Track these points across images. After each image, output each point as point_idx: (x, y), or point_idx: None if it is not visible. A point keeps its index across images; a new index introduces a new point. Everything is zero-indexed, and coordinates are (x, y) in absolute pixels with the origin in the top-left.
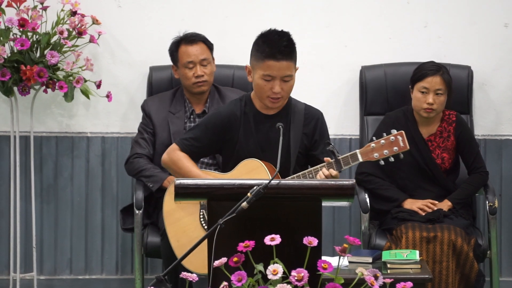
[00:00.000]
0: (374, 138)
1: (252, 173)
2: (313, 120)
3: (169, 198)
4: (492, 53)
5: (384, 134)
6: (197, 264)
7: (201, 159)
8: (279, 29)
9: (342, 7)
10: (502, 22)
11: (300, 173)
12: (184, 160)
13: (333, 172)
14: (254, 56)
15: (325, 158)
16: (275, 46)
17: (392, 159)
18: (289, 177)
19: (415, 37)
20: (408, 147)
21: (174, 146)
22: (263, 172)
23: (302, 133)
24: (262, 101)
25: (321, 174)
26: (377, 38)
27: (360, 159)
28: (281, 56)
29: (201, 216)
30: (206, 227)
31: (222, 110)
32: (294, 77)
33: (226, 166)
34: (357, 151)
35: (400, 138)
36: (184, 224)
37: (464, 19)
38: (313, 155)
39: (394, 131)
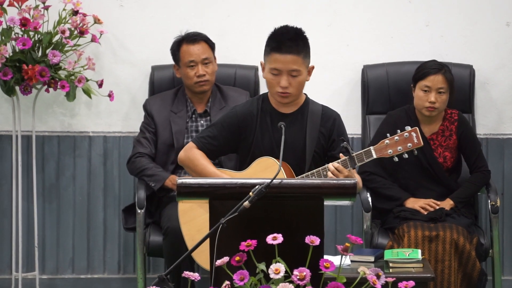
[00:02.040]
0: (388, 134)
1: (267, 171)
2: (330, 120)
3: None
4: (494, 52)
5: (398, 130)
6: (207, 259)
7: None
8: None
9: (344, 7)
10: (504, 21)
11: (309, 172)
12: (201, 158)
13: (341, 168)
14: (265, 51)
15: (340, 155)
16: (280, 39)
17: (406, 155)
18: (300, 176)
19: (417, 36)
20: (422, 143)
21: (191, 144)
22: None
23: (319, 133)
24: (273, 97)
25: (330, 167)
26: (379, 37)
27: (374, 156)
28: (286, 49)
29: None
30: None
31: (239, 109)
32: (304, 73)
33: (242, 165)
34: (371, 147)
35: (414, 134)
36: (199, 222)
37: (466, 18)
38: (332, 155)
39: (408, 128)
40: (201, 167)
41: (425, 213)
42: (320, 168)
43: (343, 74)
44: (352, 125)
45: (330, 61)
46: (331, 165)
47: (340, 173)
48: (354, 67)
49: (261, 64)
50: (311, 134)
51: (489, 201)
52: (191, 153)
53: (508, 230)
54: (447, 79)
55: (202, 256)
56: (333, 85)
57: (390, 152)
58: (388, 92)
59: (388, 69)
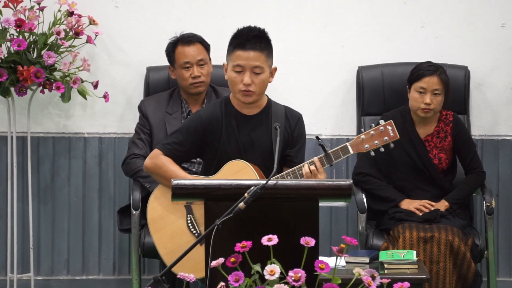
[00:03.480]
0: (362, 129)
1: (239, 174)
2: (294, 119)
3: (152, 206)
4: (489, 53)
5: (373, 125)
6: (188, 269)
7: None
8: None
9: (339, 8)
10: (499, 22)
11: (284, 172)
12: (169, 164)
13: (317, 167)
14: (227, 51)
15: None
16: (244, 36)
17: (382, 149)
18: (275, 176)
19: (412, 37)
20: (398, 136)
21: (156, 151)
22: (250, 172)
23: (284, 133)
24: (236, 96)
25: (306, 169)
26: (374, 38)
27: (351, 151)
28: (250, 46)
29: (189, 221)
30: (194, 231)
31: (203, 113)
32: (267, 72)
33: (208, 170)
34: (347, 143)
35: (389, 127)
36: (170, 230)
37: (461, 19)
38: (289, 155)
39: (382, 122)
40: (171, 172)
41: (420, 214)
42: (295, 167)
43: (338, 75)
44: (347, 126)
45: (325, 62)
46: (306, 167)
47: (314, 176)
48: (349, 68)
49: (223, 66)
50: (276, 135)
51: (484, 202)
52: (158, 160)
53: (503, 231)
54: (442, 81)
55: (184, 267)
56: (328, 86)
57: (366, 147)
58: (383, 93)
59: (383, 70)
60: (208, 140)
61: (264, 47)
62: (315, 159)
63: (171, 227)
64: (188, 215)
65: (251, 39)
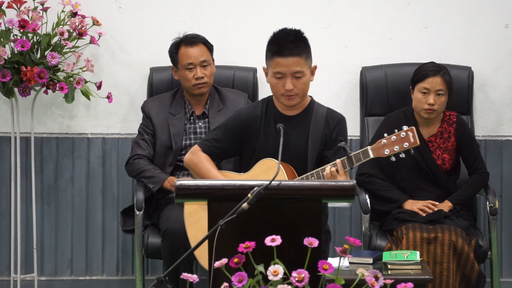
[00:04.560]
0: (385, 134)
1: (269, 172)
2: (334, 121)
3: None
4: (492, 54)
5: (396, 130)
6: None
7: None
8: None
9: (342, 8)
10: (502, 22)
11: (308, 173)
12: (204, 162)
13: (337, 169)
14: (266, 56)
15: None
16: (281, 42)
17: (403, 155)
18: (299, 177)
19: (416, 38)
20: (418, 142)
21: (196, 147)
22: (279, 171)
23: (323, 135)
24: (279, 100)
25: (327, 170)
26: (377, 39)
27: (372, 156)
28: (288, 52)
29: None
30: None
31: (243, 112)
32: (307, 74)
33: (247, 167)
34: (368, 147)
35: (410, 134)
36: (204, 224)
37: (464, 20)
38: (326, 156)
39: (405, 127)
40: (204, 170)
41: (424, 215)
42: (319, 168)
43: (342, 76)
44: (351, 127)
45: (328, 63)
46: (327, 169)
47: (334, 177)
48: (353, 68)
49: (263, 69)
50: (314, 136)
51: (487, 203)
52: (195, 156)
53: (506, 232)
54: (445, 81)
55: (206, 258)
56: (331, 87)
57: (387, 152)
58: (386, 94)
59: (386, 71)
60: (246, 139)
61: (302, 50)
62: (338, 161)
63: (204, 222)
64: None
65: (288, 45)
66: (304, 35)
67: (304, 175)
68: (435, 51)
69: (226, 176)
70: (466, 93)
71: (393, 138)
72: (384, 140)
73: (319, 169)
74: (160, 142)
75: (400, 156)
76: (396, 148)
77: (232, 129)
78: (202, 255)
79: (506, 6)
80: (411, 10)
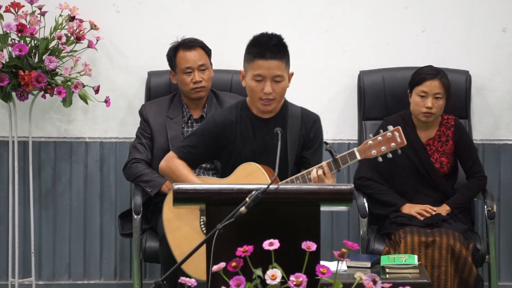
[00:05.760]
0: (370, 135)
1: (251, 177)
2: (310, 121)
3: (168, 206)
4: (490, 58)
5: (381, 130)
6: (197, 270)
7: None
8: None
9: (340, 12)
10: (500, 26)
11: (293, 177)
12: (182, 168)
13: (324, 172)
14: (245, 59)
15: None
16: (264, 45)
17: (390, 155)
18: (284, 181)
19: (413, 42)
20: (405, 142)
21: (171, 154)
22: (261, 175)
23: (300, 135)
24: (255, 104)
25: (314, 174)
26: (375, 43)
27: (358, 157)
28: (270, 55)
29: (202, 223)
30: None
31: (217, 117)
32: (286, 79)
33: (224, 172)
34: (355, 149)
35: (397, 133)
36: (185, 231)
37: (462, 24)
38: (305, 157)
39: (390, 127)
40: (183, 177)
41: (422, 218)
42: (304, 172)
43: (340, 80)
44: (349, 131)
45: (326, 67)
46: (314, 172)
47: (321, 181)
48: (351, 73)
49: (240, 73)
50: (292, 138)
51: (485, 206)
52: (172, 163)
53: (504, 235)
54: (443, 85)
55: (189, 266)
56: (329, 91)
57: (374, 153)
58: (384, 97)
59: (384, 75)
60: (222, 144)
61: (283, 55)
62: (324, 163)
63: (185, 228)
64: (201, 217)
65: (272, 48)
66: (284, 40)
67: (288, 179)
68: (433, 55)
69: (206, 182)
70: (464, 97)
71: (380, 139)
72: (370, 141)
73: (303, 172)
74: (158, 146)
75: (388, 156)
76: (383, 149)
77: (207, 134)
78: (187, 263)
79: (504, 10)
80: (408, 14)
